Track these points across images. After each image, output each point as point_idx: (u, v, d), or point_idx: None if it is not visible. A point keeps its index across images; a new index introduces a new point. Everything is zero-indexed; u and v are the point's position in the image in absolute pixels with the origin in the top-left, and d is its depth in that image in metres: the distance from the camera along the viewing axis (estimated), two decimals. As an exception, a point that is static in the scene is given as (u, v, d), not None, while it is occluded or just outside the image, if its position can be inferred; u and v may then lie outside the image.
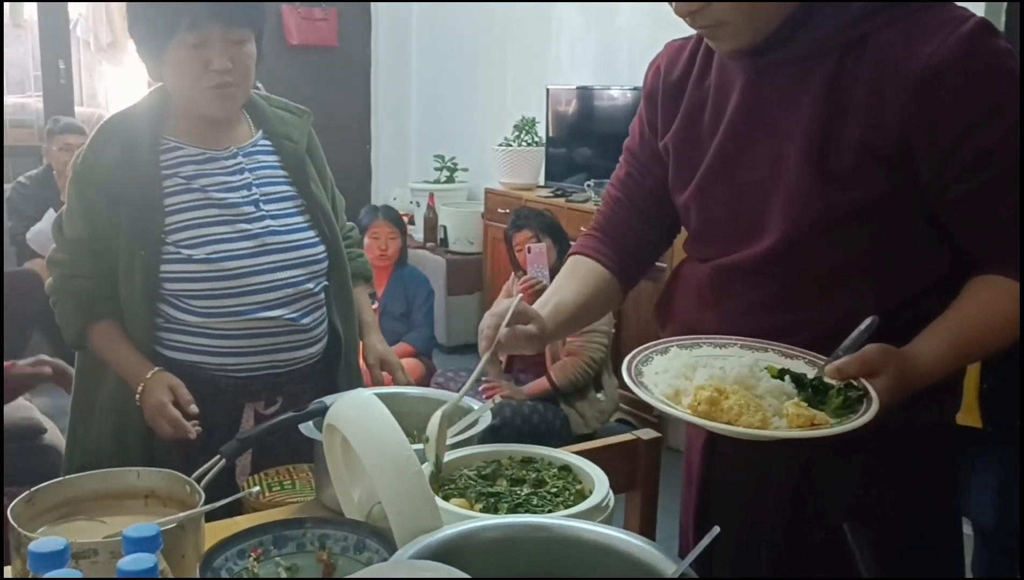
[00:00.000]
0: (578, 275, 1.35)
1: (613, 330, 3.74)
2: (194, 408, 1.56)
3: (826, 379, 1.04)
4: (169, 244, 1.60)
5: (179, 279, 1.60)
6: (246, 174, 1.67)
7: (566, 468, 1.16)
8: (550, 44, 5.02)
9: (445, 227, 5.25)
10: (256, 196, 1.66)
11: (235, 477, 1.61)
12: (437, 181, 5.50)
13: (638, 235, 1.38)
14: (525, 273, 3.73)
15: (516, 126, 4.91)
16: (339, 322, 1.76)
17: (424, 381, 4.02)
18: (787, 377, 1.04)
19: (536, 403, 3.62)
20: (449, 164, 5.48)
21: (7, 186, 4.42)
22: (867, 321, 1.09)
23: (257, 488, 1.11)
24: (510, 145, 4.90)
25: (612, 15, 4.59)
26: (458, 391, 3.54)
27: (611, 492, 1.07)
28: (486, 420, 1.26)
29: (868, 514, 1.16)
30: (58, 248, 1.68)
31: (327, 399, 1.28)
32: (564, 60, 4.96)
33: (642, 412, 3.81)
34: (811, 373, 1.07)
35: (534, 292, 3.68)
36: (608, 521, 1.04)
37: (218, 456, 1.13)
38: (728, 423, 0.95)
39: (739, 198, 1.19)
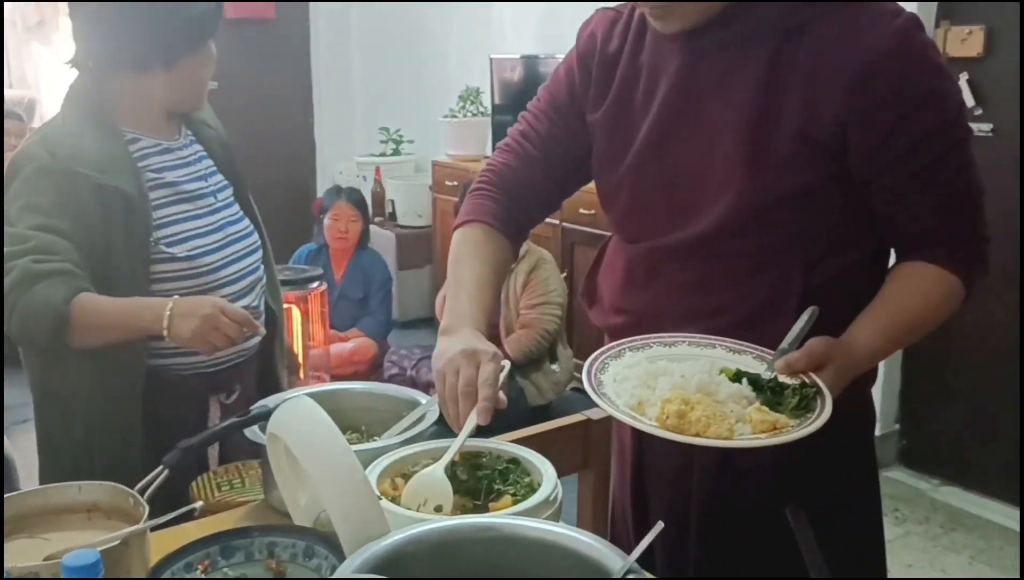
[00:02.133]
0: (480, 255, 1.29)
1: (566, 300, 3.75)
2: (255, 322, 1.51)
3: (780, 379, 1.06)
4: (154, 242, 1.52)
5: (166, 279, 1.53)
6: (198, 165, 1.64)
7: (514, 461, 1.16)
8: (492, 12, 4.95)
9: (393, 201, 5.21)
10: (212, 187, 1.64)
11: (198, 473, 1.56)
12: (383, 154, 5.44)
13: (540, 195, 1.36)
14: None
15: (461, 96, 4.86)
16: (271, 301, 1.76)
17: (378, 360, 4.01)
18: (744, 380, 1.05)
19: (491, 377, 3.63)
20: (395, 136, 5.41)
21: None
22: (807, 313, 1.12)
23: (201, 503, 1.09)
24: (455, 116, 4.86)
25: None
26: (411, 369, 3.49)
27: (559, 485, 1.08)
28: (434, 415, 1.26)
29: (787, 483, 1.20)
30: (18, 240, 1.43)
31: (269, 402, 1.26)
32: (507, 28, 4.90)
33: (596, 380, 3.84)
34: (760, 368, 1.08)
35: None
36: (557, 514, 1.05)
37: (160, 467, 1.11)
38: (697, 435, 0.96)
39: (672, 181, 1.19)
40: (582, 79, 1.31)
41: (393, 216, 5.20)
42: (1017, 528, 2.93)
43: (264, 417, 1.17)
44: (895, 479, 3.28)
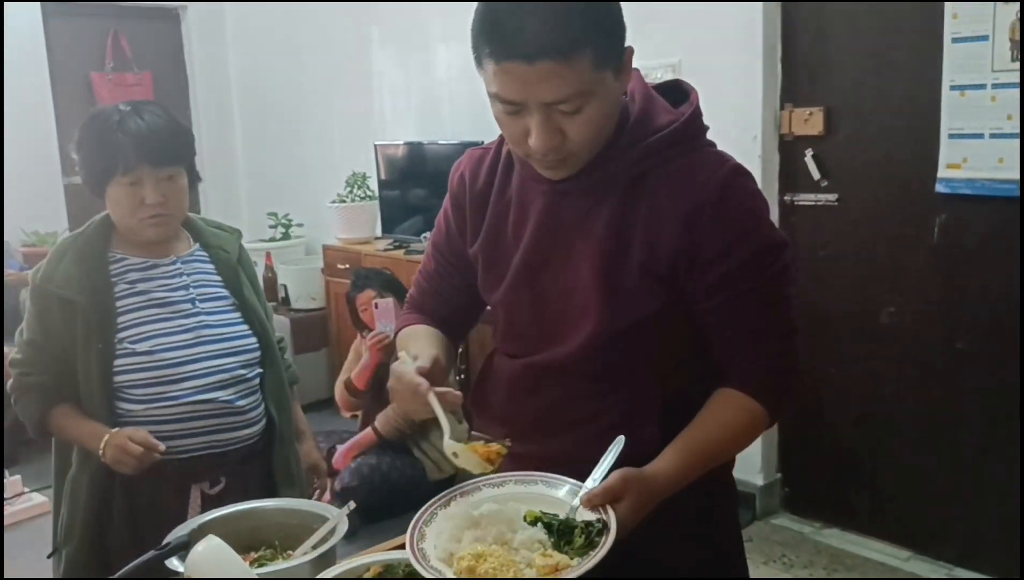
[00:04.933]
0: (421, 336, 1.43)
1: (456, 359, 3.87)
2: (155, 441, 1.74)
3: (575, 517, 1.15)
4: (118, 341, 1.79)
5: (126, 371, 1.80)
6: (184, 277, 1.90)
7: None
8: (372, 99, 5.11)
9: (286, 286, 5.23)
10: (192, 296, 1.89)
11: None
12: (272, 239, 5.48)
13: (448, 319, 1.50)
14: (371, 331, 3.80)
15: (347, 181, 4.97)
16: (273, 408, 1.96)
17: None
18: (539, 523, 1.15)
19: (393, 458, 3.70)
20: (284, 221, 5.47)
21: None
22: (614, 445, 1.23)
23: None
24: (344, 201, 4.96)
25: (430, 68, 4.73)
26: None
27: None
28: (344, 527, 1.35)
29: (657, 546, 1.30)
30: (18, 350, 1.87)
31: (182, 529, 1.34)
32: (388, 115, 5.07)
33: (497, 452, 3.95)
34: (571, 501, 1.19)
35: (382, 347, 3.76)
36: None
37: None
38: None
39: (542, 306, 1.34)
40: (457, 219, 1.45)
41: (287, 300, 5.23)
42: (892, 563, 3.18)
43: (184, 547, 1.24)
44: (780, 526, 3.50)
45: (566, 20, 1.13)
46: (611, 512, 1.14)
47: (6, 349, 3.94)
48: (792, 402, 1.33)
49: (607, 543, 1.09)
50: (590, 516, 1.15)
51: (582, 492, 1.18)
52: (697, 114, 1.32)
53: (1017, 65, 2.73)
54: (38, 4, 5.20)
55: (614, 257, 1.27)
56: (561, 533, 1.13)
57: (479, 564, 1.07)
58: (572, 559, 1.09)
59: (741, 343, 1.29)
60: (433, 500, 1.22)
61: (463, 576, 1.06)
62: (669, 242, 1.25)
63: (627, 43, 1.23)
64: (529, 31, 1.12)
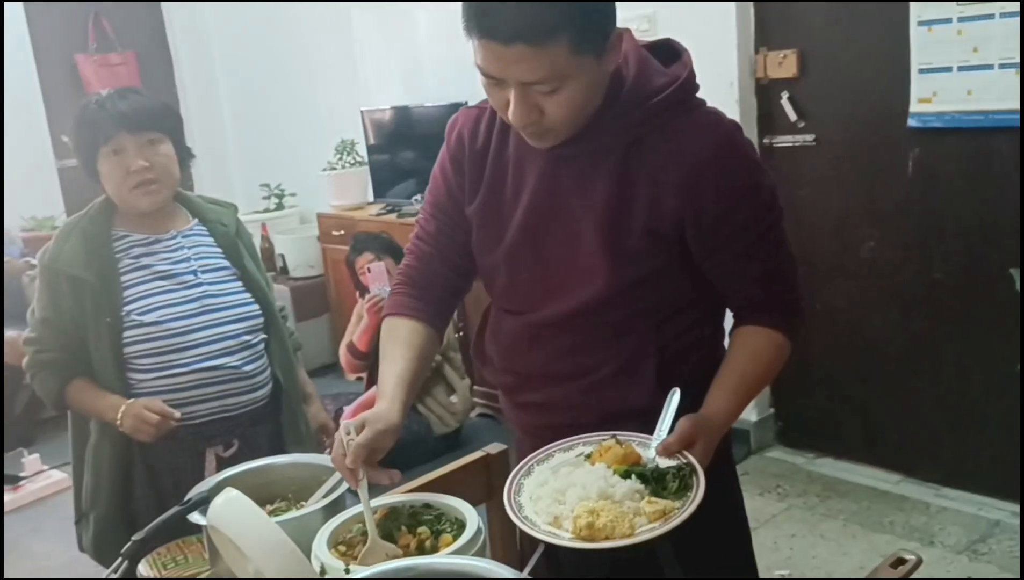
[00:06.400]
0: (401, 339, 1.47)
1: (443, 341, 3.96)
2: (170, 409, 1.86)
3: (660, 465, 1.22)
4: (125, 314, 1.89)
5: (135, 342, 1.90)
6: (185, 250, 1.99)
7: (428, 505, 1.35)
8: (355, 66, 5.14)
9: (283, 255, 5.31)
10: (194, 267, 1.98)
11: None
12: (267, 210, 5.54)
13: (446, 283, 1.54)
14: (369, 293, 3.90)
15: (337, 149, 5.02)
16: (279, 371, 2.06)
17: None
18: (633, 475, 1.21)
19: (398, 415, 3.82)
20: (276, 191, 5.53)
21: None
22: (673, 396, 1.30)
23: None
24: (334, 168, 5.02)
25: (410, 33, 4.76)
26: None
27: (480, 521, 1.26)
28: (343, 485, 1.43)
29: None
30: (31, 329, 1.96)
31: (204, 486, 1.45)
32: (372, 81, 5.10)
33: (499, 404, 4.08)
34: (645, 453, 1.26)
35: (380, 308, 3.86)
36: (484, 546, 1.24)
37: (120, 559, 1.28)
38: (607, 538, 1.13)
39: (543, 267, 1.41)
40: (456, 177, 1.48)
41: (285, 269, 5.32)
42: (882, 487, 3.31)
43: (204, 502, 1.35)
44: (775, 458, 3.63)
45: (544, 6, 1.16)
46: (690, 456, 1.22)
47: (7, 333, 4.07)
48: (803, 324, 1.42)
49: (701, 482, 1.17)
50: (670, 463, 1.23)
51: (655, 443, 1.24)
52: (692, 75, 1.35)
53: (981, -2, 2.79)
54: (18, -9, 5.22)
55: (617, 219, 1.33)
56: (656, 480, 1.21)
57: (595, 519, 1.13)
58: (674, 502, 1.17)
59: (758, 285, 1.38)
60: (515, 470, 1.27)
61: (583, 532, 1.12)
62: (671, 202, 1.32)
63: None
64: (507, 14, 1.17)
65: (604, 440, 1.29)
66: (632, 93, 1.32)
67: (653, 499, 1.17)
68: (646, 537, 1.12)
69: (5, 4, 5.12)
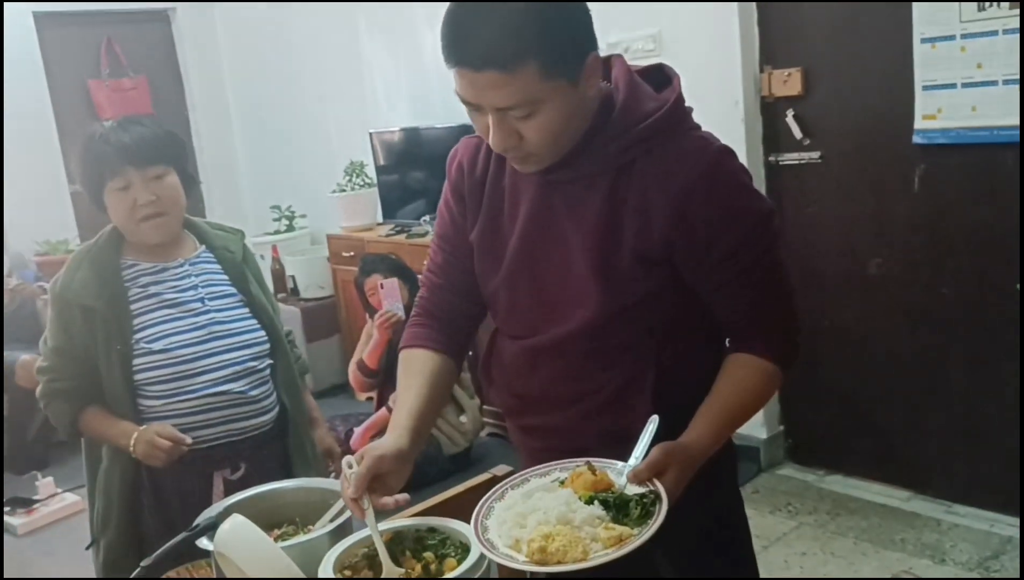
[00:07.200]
0: (416, 370, 1.48)
1: (461, 369, 3.98)
2: (181, 434, 1.89)
3: (625, 493, 1.22)
4: (135, 342, 1.93)
5: (145, 369, 1.93)
6: (192, 278, 2.02)
7: (432, 529, 1.36)
8: (364, 88, 5.19)
9: (294, 277, 5.34)
10: (202, 294, 2.01)
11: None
12: (277, 232, 5.57)
13: (459, 312, 1.56)
14: (379, 313, 3.93)
15: (346, 170, 5.06)
16: (285, 396, 2.09)
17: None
18: (595, 502, 1.22)
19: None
20: (287, 213, 5.56)
21: None
22: (650, 424, 1.30)
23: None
24: (344, 190, 5.06)
25: (418, 54, 4.81)
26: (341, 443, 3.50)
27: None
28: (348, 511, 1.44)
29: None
30: (44, 358, 2.00)
31: (212, 511, 1.46)
32: (381, 102, 5.14)
33: (508, 424, 4.09)
34: (618, 479, 1.26)
35: (391, 325, 3.88)
36: (488, 571, 1.25)
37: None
38: (559, 563, 1.14)
39: (540, 291, 1.42)
40: (458, 206, 1.50)
41: (295, 291, 5.34)
42: (892, 504, 3.30)
43: (212, 527, 1.37)
44: (785, 476, 3.62)
45: (512, 32, 1.18)
46: (659, 484, 1.22)
47: (24, 356, 4.12)
48: (798, 356, 1.41)
49: (662, 510, 1.18)
50: (639, 490, 1.23)
51: (627, 470, 1.25)
52: (680, 100, 1.36)
53: (984, 15, 2.80)
54: (31, 15, 5.30)
55: (607, 244, 1.34)
56: (618, 507, 1.21)
57: (548, 543, 1.15)
58: (632, 529, 1.17)
59: (749, 312, 1.37)
60: (488, 495, 1.30)
61: (535, 556, 1.14)
62: (661, 227, 1.32)
63: (600, 44, 1.27)
64: (477, 40, 1.19)
65: (579, 466, 1.29)
66: (621, 118, 1.33)
67: (611, 525, 1.18)
68: (598, 562, 1.13)
69: (16, 20, 5.18)
